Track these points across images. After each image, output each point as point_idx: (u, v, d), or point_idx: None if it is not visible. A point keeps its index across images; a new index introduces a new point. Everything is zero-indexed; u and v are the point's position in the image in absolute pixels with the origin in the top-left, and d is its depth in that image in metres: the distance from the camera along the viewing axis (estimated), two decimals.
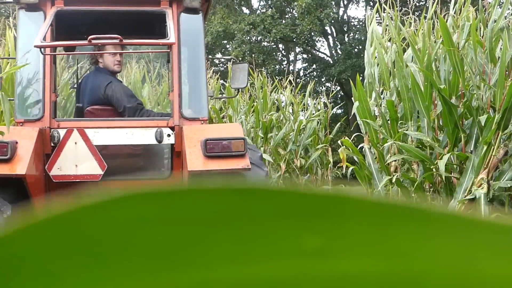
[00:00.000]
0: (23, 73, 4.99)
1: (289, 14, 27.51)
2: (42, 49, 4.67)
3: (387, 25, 7.35)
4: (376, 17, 8.02)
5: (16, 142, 4.37)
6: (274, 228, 0.24)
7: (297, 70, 27.23)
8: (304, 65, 30.02)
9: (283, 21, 25.80)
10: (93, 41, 4.48)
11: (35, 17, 5.04)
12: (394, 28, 7.03)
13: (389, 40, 7.44)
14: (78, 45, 5.49)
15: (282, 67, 27.62)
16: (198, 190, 0.24)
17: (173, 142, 4.92)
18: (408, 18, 7.36)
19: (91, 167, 4.72)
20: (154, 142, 4.91)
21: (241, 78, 5.47)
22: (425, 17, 6.97)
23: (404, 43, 7.26)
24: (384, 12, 7.45)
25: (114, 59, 5.55)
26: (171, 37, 4.47)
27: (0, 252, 0.23)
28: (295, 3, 24.35)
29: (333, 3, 25.78)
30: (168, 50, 5.06)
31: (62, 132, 4.76)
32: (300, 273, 0.25)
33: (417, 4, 8.37)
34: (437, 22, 6.65)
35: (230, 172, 4.36)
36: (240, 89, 6.01)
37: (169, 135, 4.90)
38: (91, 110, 5.35)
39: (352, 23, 29.92)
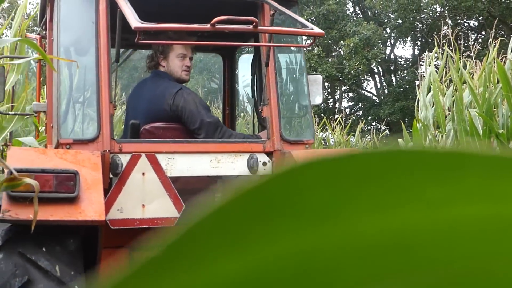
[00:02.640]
0: (68, 75, 3.74)
1: (335, 53, 27.63)
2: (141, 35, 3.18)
3: (445, 67, 7.30)
4: (424, 57, 7.99)
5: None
6: (405, 182, 0.29)
7: (342, 108, 27.21)
8: (350, 103, 29.99)
9: (329, 60, 25.91)
10: (218, 26, 3.18)
11: (82, 0, 3.75)
12: (456, 71, 6.97)
13: (445, 82, 7.38)
14: (195, 29, 3.56)
15: (328, 105, 27.66)
16: (354, 156, 0.30)
17: (269, 173, 3.70)
18: (469, 61, 7.30)
19: (163, 207, 3.46)
20: (246, 172, 3.68)
21: (313, 92, 4.23)
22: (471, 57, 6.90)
23: (460, 86, 7.19)
24: (439, 52, 7.40)
25: (182, 63, 4.12)
26: (314, 27, 3.45)
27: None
28: (343, 42, 24.46)
29: (380, 42, 25.80)
30: (307, 46, 3.58)
31: (124, 159, 3.44)
32: (426, 219, 0.30)
33: (465, 43, 8.30)
34: (495, 66, 6.59)
35: None
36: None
37: (265, 163, 3.71)
38: (150, 130, 3.90)
39: (399, 62, 29.87)
